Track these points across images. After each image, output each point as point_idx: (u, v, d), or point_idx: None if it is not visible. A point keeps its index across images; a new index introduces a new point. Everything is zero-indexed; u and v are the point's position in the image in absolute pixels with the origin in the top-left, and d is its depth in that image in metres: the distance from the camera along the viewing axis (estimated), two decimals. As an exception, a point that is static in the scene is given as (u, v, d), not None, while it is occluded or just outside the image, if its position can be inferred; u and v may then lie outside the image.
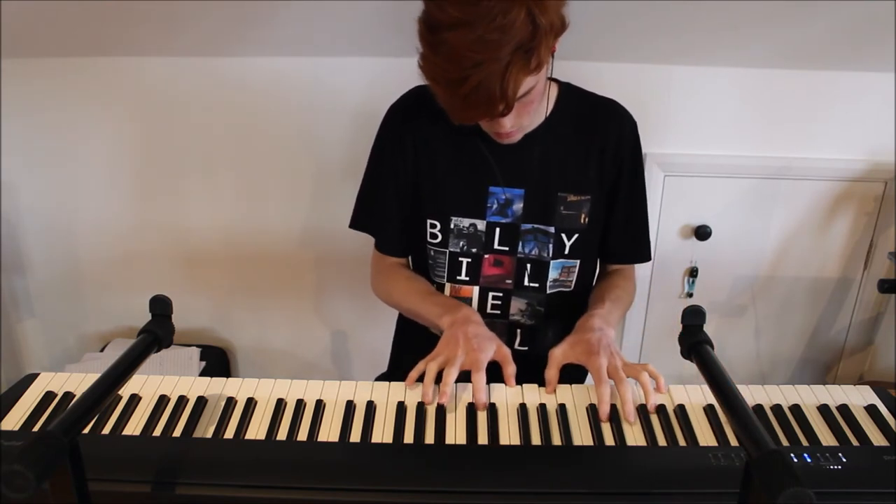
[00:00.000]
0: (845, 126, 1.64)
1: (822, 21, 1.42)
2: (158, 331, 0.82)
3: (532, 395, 0.97)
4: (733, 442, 0.87)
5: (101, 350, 1.84)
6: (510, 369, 1.00)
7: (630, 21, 1.44)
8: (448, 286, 1.20)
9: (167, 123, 1.68)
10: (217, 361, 1.88)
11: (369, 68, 1.58)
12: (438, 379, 0.97)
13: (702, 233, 1.73)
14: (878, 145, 1.66)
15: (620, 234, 1.22)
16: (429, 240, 1.18)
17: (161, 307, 0.84)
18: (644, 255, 1.25)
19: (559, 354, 1.03)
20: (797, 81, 1.59)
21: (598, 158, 1.15)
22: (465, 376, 0.98)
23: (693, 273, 1.79)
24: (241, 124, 1.67)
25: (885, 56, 1.50)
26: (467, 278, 1.19)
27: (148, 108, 1.66)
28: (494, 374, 0.99)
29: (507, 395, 0.97)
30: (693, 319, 0.84)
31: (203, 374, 1.78)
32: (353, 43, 1.53)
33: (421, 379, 0.98)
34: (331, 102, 1.63)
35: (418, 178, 1.16)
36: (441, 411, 0.92)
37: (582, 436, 0.89)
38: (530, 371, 1.02)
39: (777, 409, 0.95)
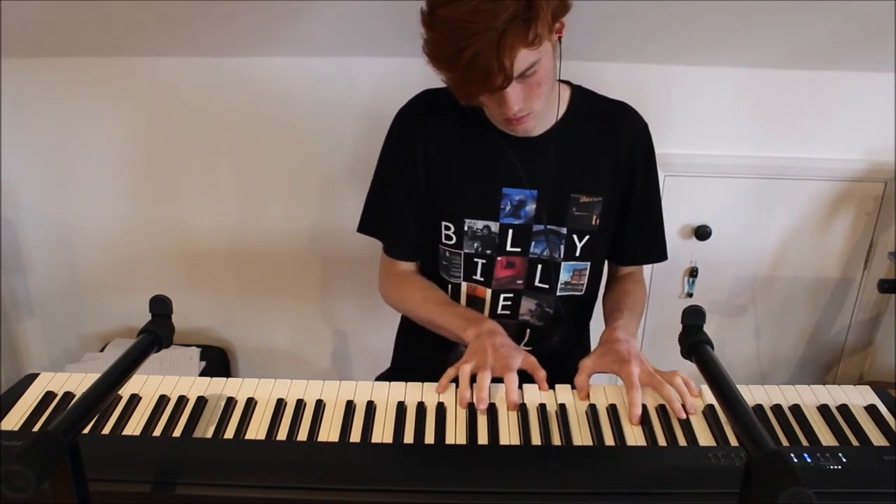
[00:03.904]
0: (845, 126, 1.64)
1: (822, 21, 1.42)
2: (158, 331, 0.82)
3: (532, 395, 0.97)
4: (733, 442, 0.87)
5: (101, 350, 1.84)
6: (541, 374, 1.00)
7: (630, 21, 1.44)
8: (465, 285, 1.20)
9: (169, 123, 1.68)
10: (217, 361, 1.88)
11: (376, 69, 1.58)
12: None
13: (702, 233, 1.73)
14: (878, 145, 1.66)
15: (637, 235, 1.22)
16: (443, 241, 1.18)
17: (161, 307, 0.84)
18: (660, 254, 1.26)
19: (590, 364, 1.02)
20: (797, 81, 1.59)
21: (611, 161, 1.15)
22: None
23: (693, 273, 1.79)
24: (244, 125, 1.67)
25: (885, 56, 1.50)
26: (482, 279, 1.19)
27: (149, 109, 1.66)
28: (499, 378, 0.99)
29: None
30: (693, 319, 0.84)
31: (203, 374, 1.78)
32: (359, 43, 1.53)
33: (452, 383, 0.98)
34: (337, 103, 1.63)
35: (430, 181, 1.15)
36: (441, 411, 0.93)
37: (582, 436, 0.89)
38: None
39: (777, 409, 0.95)
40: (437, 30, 0.92)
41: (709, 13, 1.40)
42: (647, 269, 1.77)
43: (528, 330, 1.23)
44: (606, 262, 1.29)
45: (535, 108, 1.02)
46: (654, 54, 1.56)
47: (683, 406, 0.94)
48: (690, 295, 1.82)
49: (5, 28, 1.43)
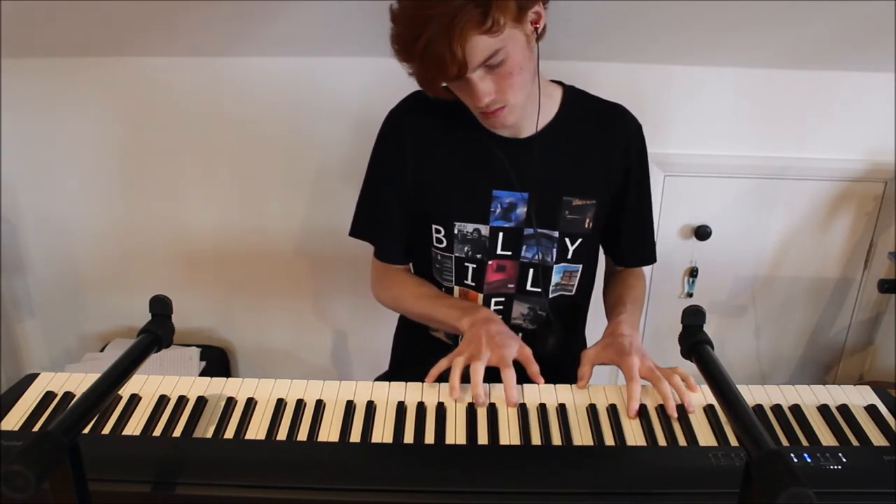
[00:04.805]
0: (845, 126, 1.64)
1: (822, 21, 1.42)
2: (158, 331, 0.82)
3: (532, 395, 0.97)
4: (733, 442, 0.87)
5: (101, 350, 1.84)
6: (534, 368, 1.00)
7: (630, 21, 1.44)
8: (457, 290, 1.20)
9: (168, 124, 1.68)
10: (217, 361, 1.88)
11: (369, 69, 1.58)
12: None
13: (702, 233, 1.73)
14: (878, 145, 1.66)
15: (631, 239, 1.23)
16: (434, 244, 1.17)
17: (161, 307, 0.84)
18: (651, 258, 1.27)
19: (592, 354, 1.05)
20: (797, 81, 1.59)
21: (604, 163, 1.14)
22: (464, 377, 0.98)
23: (693, 273, 1.79)
24: (242, 124, 1.67)
25: (885, 56, 1.50)
26: (473, 284, 1.18)
27: (148, 109, 1.66)
28: (496, 375, 0.99)
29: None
30: (693, 319, 0.84)
31: (203, 374, 1.78)
32: (352, 43, 1.53)
33: (442, 377, 0.98)
34: (331, 103, 1.63)
35: (420, 183, 1.14)
36: (441, 411, 0.92)
37: (582, 436, 0.89)
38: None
39: (777, 409, 0.95)
40: (399, 22, 0.93)
41: (709, 13, 1.40)
42: (647, 269, 1.77)
43: (521, 334, 1.22)
44: (605, 258, 1.29)
45: (510, 101, 1.00)
46: (653, 54, 1.56)
47: (682, 406, 0.94)
48: (690, 295, 1.82)
49: (5, 28, 1.43)
